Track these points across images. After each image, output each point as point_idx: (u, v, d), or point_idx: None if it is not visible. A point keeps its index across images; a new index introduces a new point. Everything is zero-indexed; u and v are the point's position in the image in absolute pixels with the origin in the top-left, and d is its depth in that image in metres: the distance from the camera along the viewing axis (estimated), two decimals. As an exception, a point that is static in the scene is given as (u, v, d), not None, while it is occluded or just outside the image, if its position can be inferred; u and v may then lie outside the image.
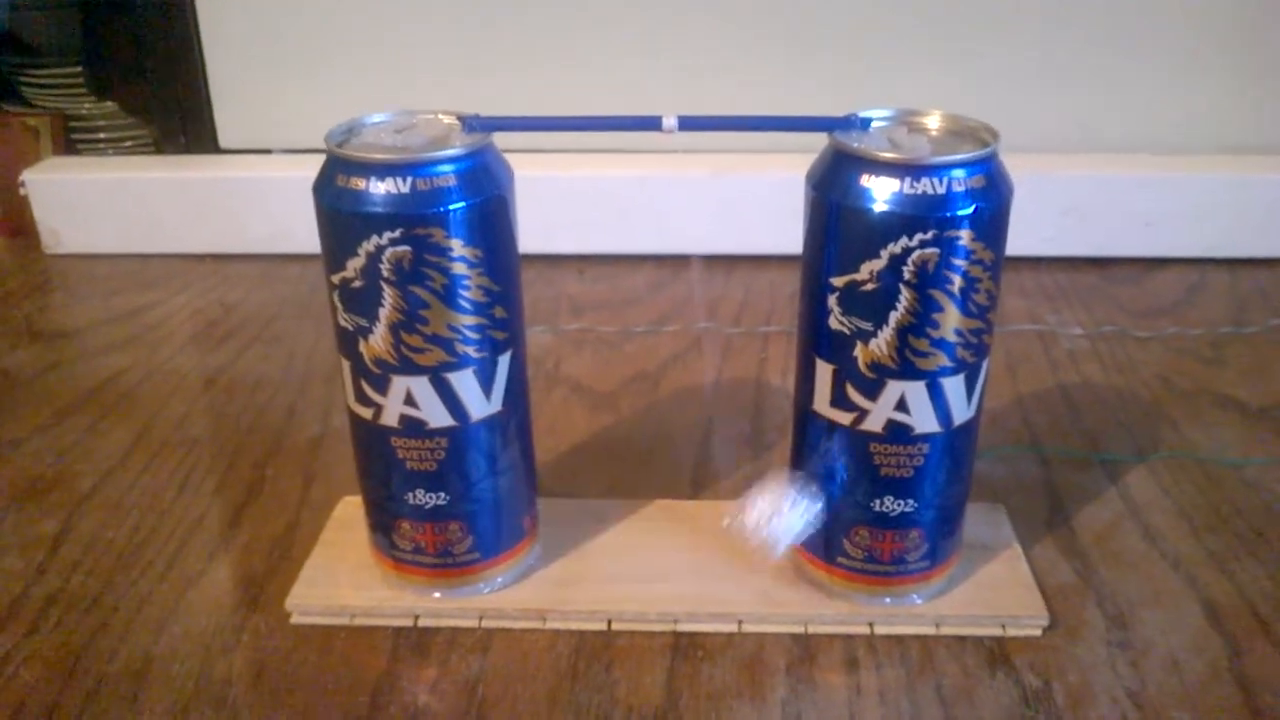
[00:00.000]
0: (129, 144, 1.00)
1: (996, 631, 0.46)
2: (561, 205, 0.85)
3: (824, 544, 0.46)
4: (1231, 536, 0.53)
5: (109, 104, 0.99)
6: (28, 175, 0.88)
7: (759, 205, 0.83)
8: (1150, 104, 0.88)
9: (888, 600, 0.47)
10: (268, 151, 0.90)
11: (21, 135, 0.98)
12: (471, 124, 0.42)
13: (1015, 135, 0.86)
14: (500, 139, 0.42)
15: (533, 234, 0.83)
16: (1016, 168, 0.85)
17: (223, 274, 0.86)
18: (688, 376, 0.69)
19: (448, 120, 0.43)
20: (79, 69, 0.98)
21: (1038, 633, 0.46)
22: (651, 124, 0.40)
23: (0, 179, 0.94)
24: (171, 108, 0.91)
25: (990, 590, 0.48)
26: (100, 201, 0.88)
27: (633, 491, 0.56)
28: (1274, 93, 0.87)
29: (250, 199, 0.86)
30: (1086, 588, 0.49)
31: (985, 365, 0.43)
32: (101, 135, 1.00)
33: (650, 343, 0.74)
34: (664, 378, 0.69)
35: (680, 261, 0.86)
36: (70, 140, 1.00)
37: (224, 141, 0.91)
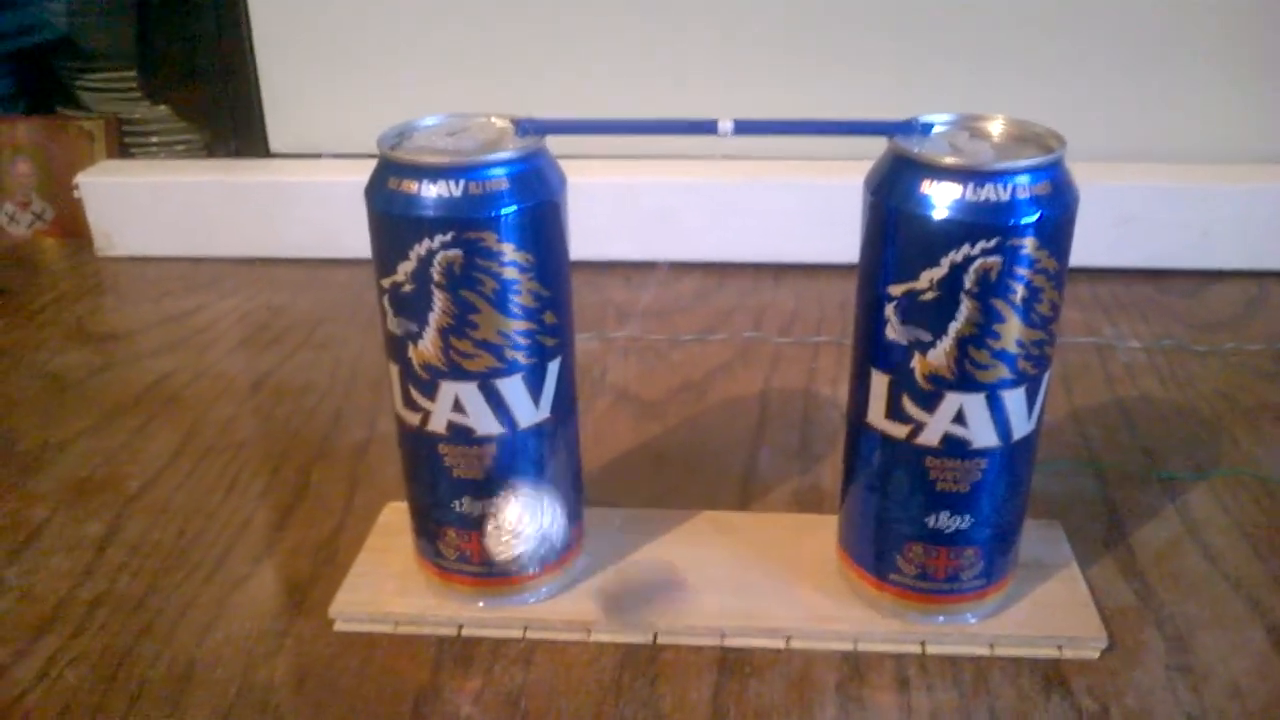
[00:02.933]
0: (181, 147, 1.01)
1: (1053, 653, 0.45)
2: (609, 212, 0.84)
3: (875, 560, 0.45)
4: (1296, 559, 0.51)
5: (162, 108, 1.00)
6: (81, 178, 0.89)
7: (809, 213, 0.82)
8: (1207, 113, 0.86)
9: (941, 619, 0.45)
10: (317, 156, 0.90)
11: (76, 138, 0.99)
12: (525, 127, 0.41)
13: (1071, 143, 0.86)
14: (551, 144, 0.42)
15: (580, 240, 0.84)
16: (1074, 176, 0.83)
17: (271, 278, 0.86)
18: (735, 386, 0.68)
19: (501, 123, 0.42)
20: (133, 73, 0.99)
21: (1095, 655, 0.45)
22: (707, 128, 0.40)
23: (56, 182, 0.95)
24: (223, 112, 0.92)
25: (1047, 610, 0.46)
26: (152, 204, 0.89)
27: (679, 502, 0.55)
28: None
29: (299, 203, 0.87)
30: (1145, 609, 0.48)
31: (1046, 378, 0.42)
32: (154, 139, 1.01)
33: (697, 351, 0.73)
34: (711, 387, 0.68)
35: (726, 270, 0.86)
36: (124, 144, 1.01)
37: (274, 145, 0.92)
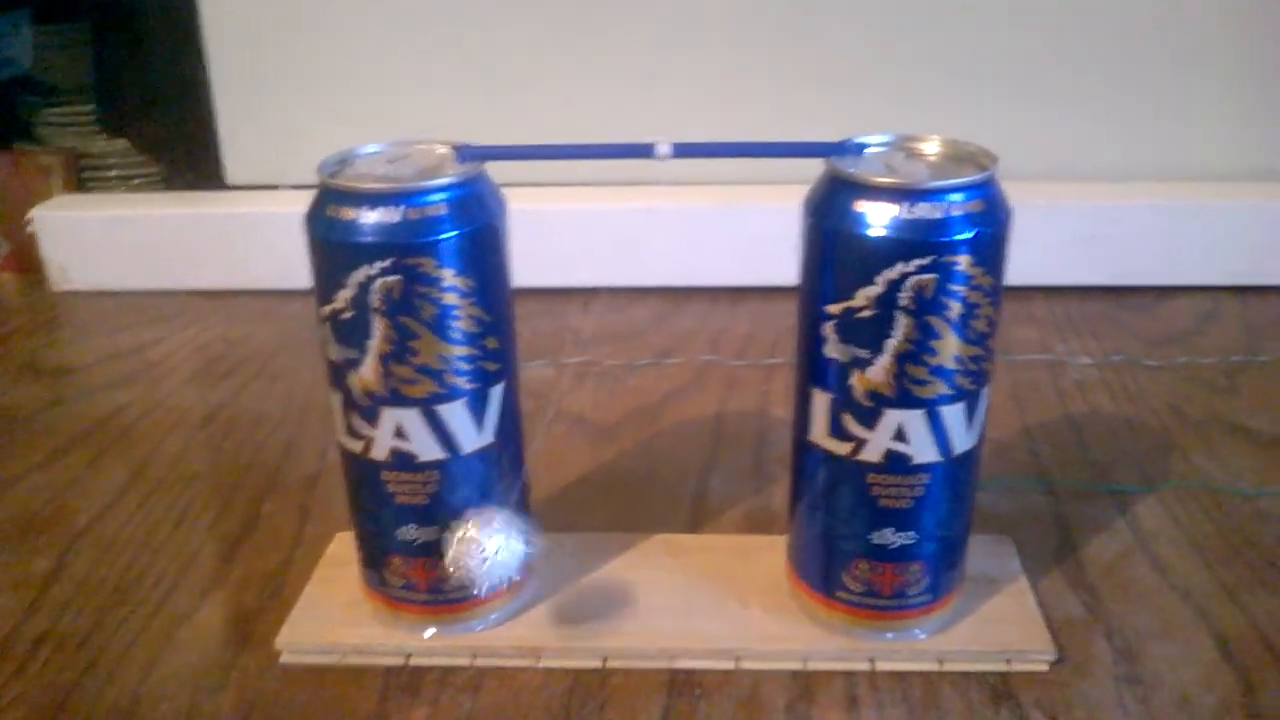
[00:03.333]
0: (140, 181, 1.01)
1: (1002, 667, 0.45)
2: (568, 238, 0.85)
3: (823, 578, 0.45)
4: (1244, 568, 0.51)
5: (121, 141, 1.00)
6: (36, 212, 0.89)
7: (766, 236, 0.82)
8: (1163, 131, 0.87)
9: (889, 635, 0.45)
10: (274, 187, 0.90)
11: (34, 174, 0.99)
12: (464, 153, 0.41)
13: (1028, 163, 0.87)
14: (509, 172, 0.42)
15: (539, 267, 0.84)
16: (1029, 195, 0.85)
17: (228, 310, 0.86)
18: (690, 409, 0.68)
19: (441, 150, 0.43)
20: (91, 108, 0.99)
21: (1044, 668, 0.45)
22: (644, 151, 0.40)
23: (12, 217, 0.95)
24: (179, 144, 0.92)
25: (995, 625, 0.47)
26: (107, 238, 0.89)
27: (632, 525, 0.55)
28: (1285, 120, 0.87)
29: (256, 235, 0.86)
30: (1095, 621, 0.48)
31: (986, 393, 0.42)
32: (113, 172, 1.01)
33: (653, 376, 0.73)
34: (666, 411, 0.68)
35: (685, 294, 0.86)
36: (81, 178, 1.01)
37: (231, 178, 0.91)
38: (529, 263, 0.82)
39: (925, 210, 0.37)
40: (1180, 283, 0.85)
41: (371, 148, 0.43)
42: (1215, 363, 0.73)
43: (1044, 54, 0.85)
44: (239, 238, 0.87)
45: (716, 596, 0.49)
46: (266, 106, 0.90)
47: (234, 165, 0.91)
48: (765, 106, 0.87)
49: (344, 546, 0.53)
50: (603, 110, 0.87)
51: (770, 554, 0.50)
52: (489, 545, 0.41)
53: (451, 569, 0.42)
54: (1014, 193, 0.84)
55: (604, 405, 0.69)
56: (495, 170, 0.42)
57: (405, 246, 0.39)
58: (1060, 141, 0.88)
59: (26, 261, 0.93)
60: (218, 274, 0.88)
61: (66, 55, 1.00)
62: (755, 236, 0.83)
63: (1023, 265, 0.82)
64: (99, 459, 0.64)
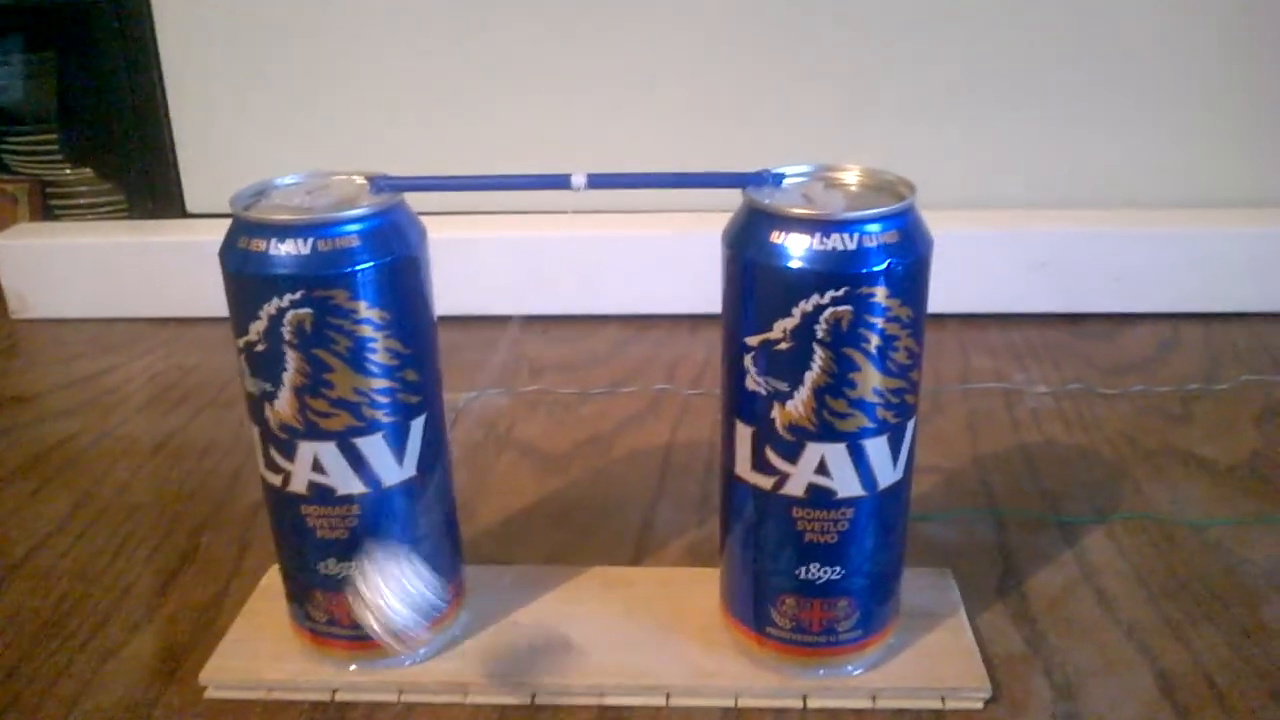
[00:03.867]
0: (107, 209, 1.01)
1: (935, 704, 0.44)
2: (524, 266, 0.84)
3: (754, 613, 0.45)
4: (1190, 601, 0.51)
5: (86, 170, 1.00)
6: (-6, 240, 0.89)
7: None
8: (1121, 158, 0.87)
9: (821, 672, 0.45)
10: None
11: (0, 202, 0.99)
12: (379, 184, 0.41)
13: (984, 191, 0.87)
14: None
15: (496, 294, 0.84)
16: (985, 223, 0.85)
17: (186, 337, 0.85)
18: (642, 438, 0.68)
19: (359, 181, 0.42)
20: (55, 136, 0.99)
21: (979, 705, 0.44)
22: (560, 183, 0.40)
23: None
24: (139, 173, 0.92)
25: (930, 660, 0.46)
26: (66, 266, 0.88)
27: (576, 557, 0.55)
28: (1245, 147, 0.87)
29: (214, 262, 0.85)
30: (1035, 656, 0.47)
31: (911, 425, 0.42)
32: (81, 200, 1.01)
33: (607, 405, 0.72)
34: (617, 440, 0.68)
35: (645, 321, 0.86)
36: (49, 205, 1.01)
37: (191, 205, 0.91)
38: (486, 291, 0.83)
39: (839, 241, 0.37)
40: (1140, 310, 0.84)
41: (290, 179, 0.42)
42: (1171, 391, 0.72)
43: (996, 79, 0.85)
44: (197, 265, 0.86)
45: (651, 631, 0.48)
46: (225, 135, 0.90)
47: (194, 193, 0.91)
48: (698, 136, 0.87)
49: (277, 579, 0.52)
50: (553, 137, 0.88)
51: (708, 587, 0.49)
52: (383, 599, 0.40)
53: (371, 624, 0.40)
54: (968, 220, 0.85)
55: (555, 434, 0.68)
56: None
57: (316, 279, 0.38)
58: (1014, 168, 0.88)
59: (-12, 290, 0.93)
60: (176, 302, 0.88)
61: (33, 84, 1.00)
62: (713, 264, 0.82)
63: (979, 293, 0.83)
64: (43, 489, 0.63)
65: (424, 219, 0.43)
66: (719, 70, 0.86)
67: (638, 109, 0.87)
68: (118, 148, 0.92)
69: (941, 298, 0.40)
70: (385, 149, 0.88)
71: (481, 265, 0.83)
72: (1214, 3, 0.83)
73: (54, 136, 0.99)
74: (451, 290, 0.43)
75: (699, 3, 0.84)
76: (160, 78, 0.88)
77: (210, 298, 0.85)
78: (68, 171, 1.00)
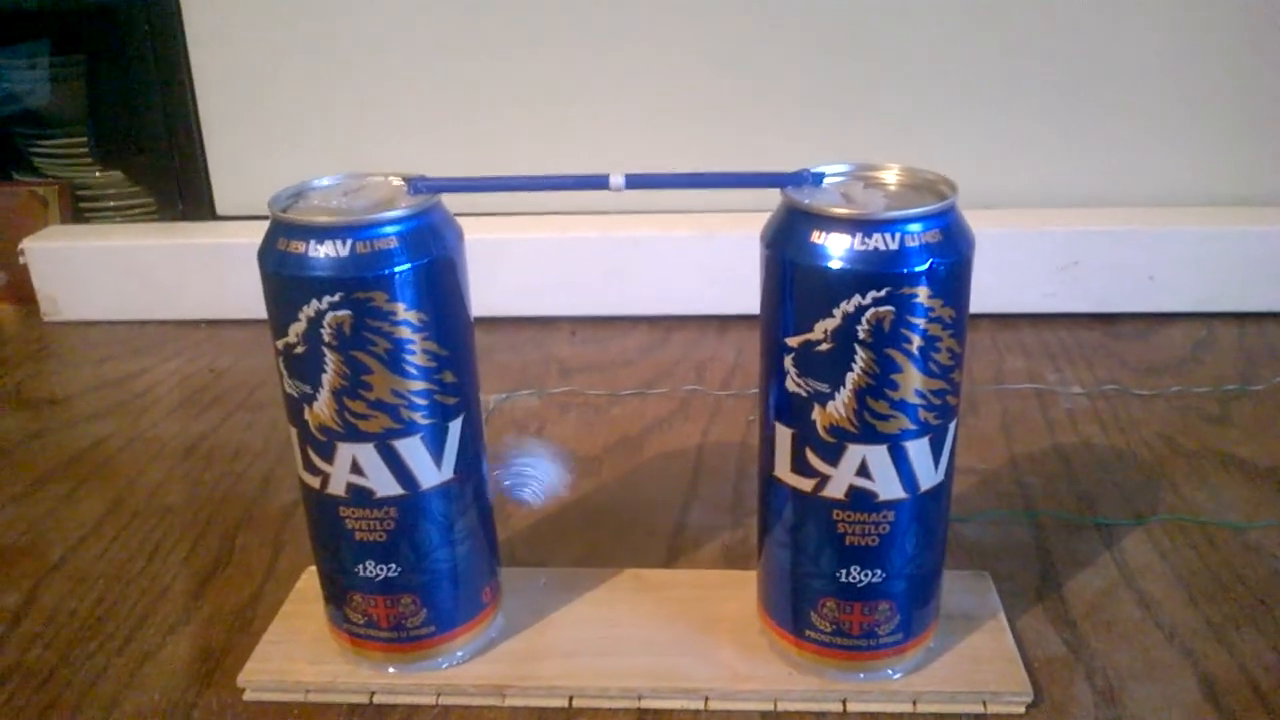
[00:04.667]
0: (137, 211, 1.01)
1: (977, 708, 0.44)
2: (553, 267, 0.84)
3: (793, 616, 0.44)
4: (1232, 604, 0.50)
5: (116, 173, 1.00)
6: (27, 244, 0.89)
7: (753, 264, 0.82)
8: (1152, 157, 0.87)
9: (861, 676, 0.44)
10: (263, 217, 0.90)
11: (29, 204, 0.99)
12: (417, 185, 0.41)
13: (1015, 189, 0.86)
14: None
15: (525, 296, 0.84)
16: (1016, 222, 0.84)
17: (216, 339, 0.86)
18: (673, 440, 0.67)
19: (396, 182, 0.42)
20: (84, 139, 1.00)
21: (1021, 709, 0.44)
22: (599, 183, 0.39)
23: (8, 248, 0.95)
24: (169, 176, 0.92)
25: (971, 664, 0.45)
26: (97, 269, 0.89)
27: (607, 559, 0.54)
28: (1278, 145, 0.86)
29: (244, 264, 0.86)
30: (1076, 660, 0.47)
31: (953, 427, 0.41)
32: (110, 203, 1.02)
33: (637, 406, 0.72)
34: (648, 442, 0.67)
35: (673, 322, 0.85)
36: (79, 208, 1.01)
37: (220, 208, 0.92)
38: (516, 291, 0.83)
39: (880, 241, 0.37)
40: (1174, 309, 0.84)
41: (326, 180, 0.42)
42: (1208, 392, 0.71)
43: (1031, 79, 0.85)
44: (227, 267, 0.87)
45: (687, 634, 0.48)
46: (254, 137, 0.90)
47: (223, 195, 0.91)
48: (741, 134, 0.87)
49: (313, 581, 0.52)
50: (582, 139, 0.88)
51: (743, 590, 0.49)
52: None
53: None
54: (999, 219, 0.84)
55: (586, 436, 0.68)
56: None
57: (355, 280, 0.38)
58: (1048, 167, 0.87)
59: (22, 292, 0.94)
60: (206, 303, 0.88)
61: (63, 88, 1.01)
62: (741, 264, 0.82)
63: (1011, 293, 0.83)
64: (77, 490, 0.64)
65: (449, 211, 0.42)
66: (738, 73, 0.86)
67: (664, 111, 0.87)
68: (148, 151, 0.93)
69: (975, 297, 0.40)
70: (415, 150, 0.88)
71: (509, 267, 0.83)
72: (1246, 5, 0.82)
73: (84, 140, 1.00)
74: (478, 292, 0.43)
75: (720, 9, 0.84)
76: (190, 81, 0.89)
77: (240, 299, 0.87)
78: (97, 174, 1.01)
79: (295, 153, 0.90)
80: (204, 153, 0.91)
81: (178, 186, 0.92)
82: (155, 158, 0.92)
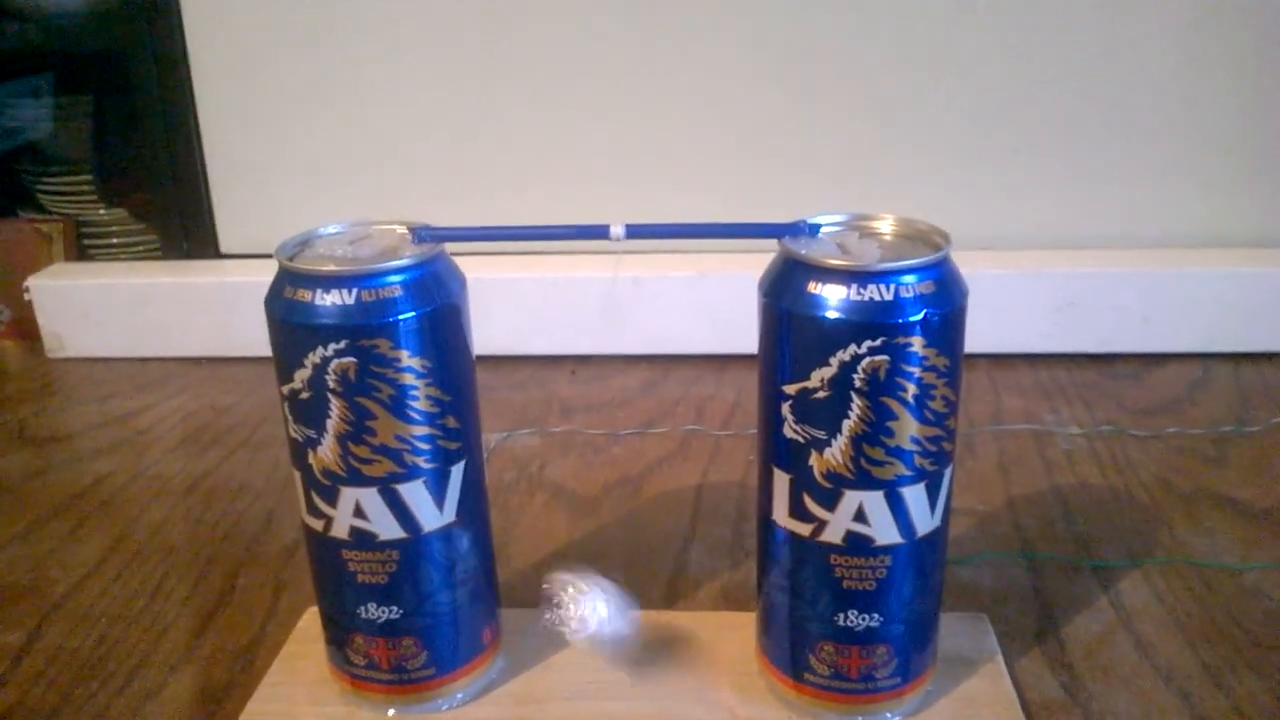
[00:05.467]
0: (141, 249, 1.02)
1: (974, 752, 0.44)
2: (553, 306, 0.85)
3: (791, 660, 0.45)
4: (1228, 648, 0.50)
5: (120, 211, 1.01)
6: (32, 281, 0.90)
7: (752, 304, 0.82)
8: (1149, 200, 0.88)
9: (859, 719, 0.45)
10: (267, 256, 0.91)
11: (35, 241, 1.00)
12: (421, 235, 0.42)
13: (1014, 232, 0.87)
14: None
15: (525, 335, 0.85)
16: (1014, 264, 0.85)
17: (219, 377, 0.86)
18: (672, 480, 0.68)
19: (401, 230, 0.43)
20: (90, 177, 1.01)
21: (1018, 753, 0.44)
22: (600, 233, 0.40)
23: (14, 284, 0.96)
24: (173, 214, 0.93)
25: (968, 707, 0.46)
26: (102, 306, 0.90)
27: (608, 601, 0.54)
28: (1273, 187, 0.87)
29: (247, 302, 0.86)
30: (1073, 704, 0.47)
31: (949, 473, 0.42)
32: (114, 240, 1.03)
33: (637, 445, 0.73)
34: (647, 482, 0.68)
35: (671, 362, 0.86)
36: (83, 245, 1.02)
37: (225, 246, 0.93)
38: (518, 329, 0.84)
39: (875, 292, 0.37)
40: (1169, 350, 0.84)
41: (332, 228, 0.43)
42: (1204, 433, 0.72)
43: (1030, 123, 0.86)
44: (231, 305, 0.87)
45: (686, 676, 0.48)
46: (259, 177, 0.91)
47: (227, 234, 0.92)
48: (739, 185, 0.88)
49: (315, 621, 0.52)
50: (585, 187, 0.89)
51: (742, 632, 0.49)
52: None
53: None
54: (997, 260, 0.85)
55: (585, 476, 0.69)
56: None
57: (360, 328, 0.39)
58: (1047, 210, 0.88)
59: (27, 329, 0.94)
60: (210, 341, 0.89)
61: (70, 127, 1.02)
62: (741, 304, 0.83)
63: (1009, 333, 0.83)
64: (80, 528, 0.64)
65: (453, 259, 0.43)
66: (742, 119, 0.87)
67: (666, 161, 0.88)
68: (153, 189, 0.94)
69: (971, 338, 0.41)
70: (418, 194, 0.89)
71: (510, 305, 0.84)
72: (1237, 50, 0.83)
73: (89, 177, 1.01)
74: (480, 330, 0.44)
75: (722, 53, 0.86)
76: (196, 120, 0.90)
77: (243, 337, 0.88)
78: (102, 211, 1.02)
79: (299, 193, 0.91)
80: (208, 191, 0.92)
81: (182, 224, 0.93)
82: (160, 196, 0.93)
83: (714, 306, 0.84)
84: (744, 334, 0.41)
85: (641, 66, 0.86)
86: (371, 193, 0.90)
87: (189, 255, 0.93)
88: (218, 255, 0.93)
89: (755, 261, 0.42)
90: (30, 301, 0.90)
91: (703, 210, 0.86)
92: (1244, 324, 0.83)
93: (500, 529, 0.62)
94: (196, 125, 0.90)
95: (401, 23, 0.86)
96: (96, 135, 1.00)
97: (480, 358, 0.45)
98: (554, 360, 0.86)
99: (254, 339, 0.87)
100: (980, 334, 0.82)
